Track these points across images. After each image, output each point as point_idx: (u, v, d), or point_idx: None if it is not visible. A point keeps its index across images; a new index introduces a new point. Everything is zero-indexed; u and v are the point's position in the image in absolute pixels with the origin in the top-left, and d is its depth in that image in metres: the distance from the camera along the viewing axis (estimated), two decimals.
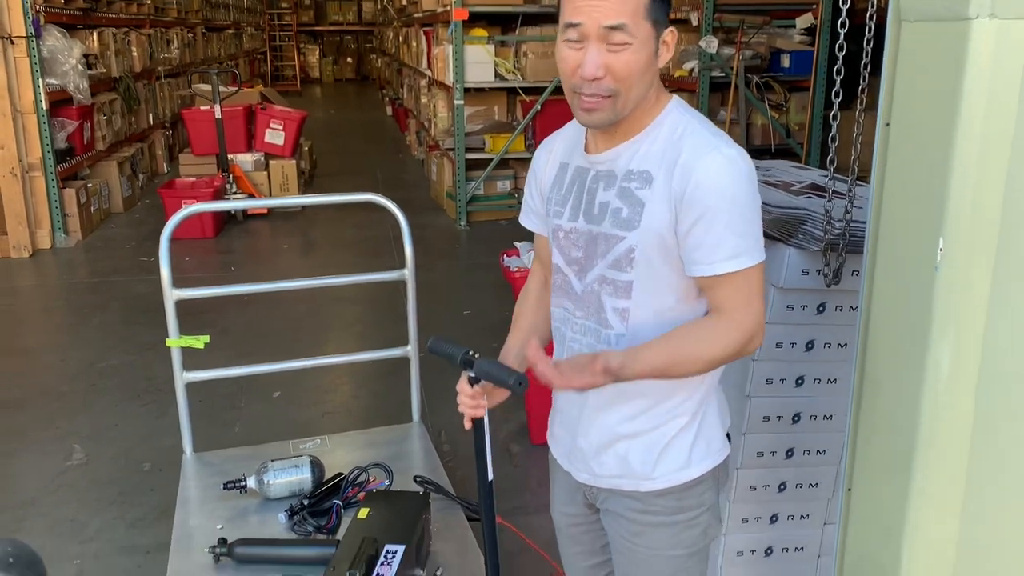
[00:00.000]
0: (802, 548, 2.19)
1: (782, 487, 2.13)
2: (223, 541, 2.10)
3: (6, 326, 5.21)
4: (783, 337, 1.99)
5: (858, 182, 1.78)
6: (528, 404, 3.54)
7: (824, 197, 1.85)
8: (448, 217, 7.68)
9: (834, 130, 1.70)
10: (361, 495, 2.29)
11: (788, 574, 2.22)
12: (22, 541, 1.53)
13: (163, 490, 2.47)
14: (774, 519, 2.16)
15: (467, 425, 1.59)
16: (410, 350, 2.72)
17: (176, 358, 2.57)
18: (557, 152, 1.64)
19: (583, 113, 1.44)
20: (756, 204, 1.42)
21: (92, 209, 7.20)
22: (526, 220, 1.76)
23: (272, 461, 2.39)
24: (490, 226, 7.30)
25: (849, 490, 1.39)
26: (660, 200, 1.42)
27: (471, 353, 1.53)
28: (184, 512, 2.36)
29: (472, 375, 1.54)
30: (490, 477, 1.62)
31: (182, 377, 2.60)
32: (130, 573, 2.78)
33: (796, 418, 2.08)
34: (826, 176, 1.85)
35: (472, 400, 1.55)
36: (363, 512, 2.06)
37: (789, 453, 2.10)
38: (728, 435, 1.66)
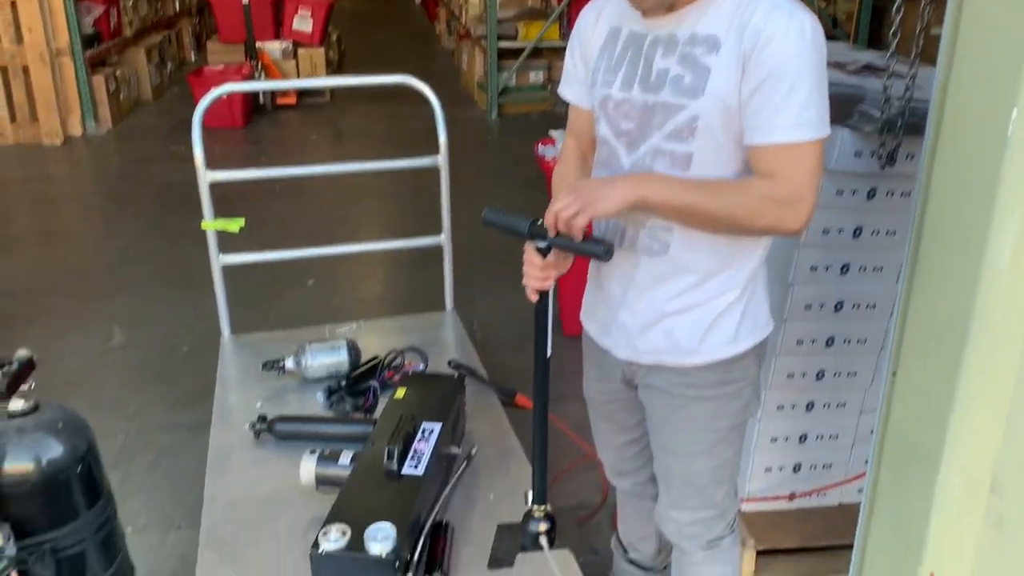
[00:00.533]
0: (836, 436, 2.19)
1: (820, 375, 2.12)
2: (263, 418, 2.14)
3: (42, 213, 5.26)
4: (831, 223, 1.94)
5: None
6: (560, 295, 3.53)
7: (880, 78, 1.76)
8: (479, 109, 7.54)
9: (895, 25, 1.58)
10: (397, 378, 2.32)
11: (821, 461, 2.23)
12: (70, 408, 1.57)
13: (201, 372, 2.51)
14: (810, 407, 2.15)
15: (532, 298, 1.53)
16: (443, 239, 2.70)
17: (212, 241, 2.58)
18: (607, 15, 1.54)
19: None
20: (823, 76, 1.34)
21: (121, 97, 7.14)
22: (567, 90, 1.65)
23: (310, 343, 2.42)
24: (522, 119, 7.15)
25: (895, 374, 1.36)
26: (728, 65, 1.35)
27: (540, 223, 1.44)
28: (224, 390, 2.40)
29: (542, 246, 1.46)
30: (548, 353, 1.57)
31: (218, 259, 2.61)
32: (171, 448, 2.86)
33: (838, 306, 2.05)
34: (882, 56, 1.75)
35: (542, 272, 1.49)
36: (400, 392, 2.09)
37: (829, 342, 2.08)
38: None
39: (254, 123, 7.11)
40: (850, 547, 1.51)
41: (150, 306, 3.87)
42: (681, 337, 1.54)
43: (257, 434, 2.14)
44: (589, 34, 1.57)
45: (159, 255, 4.40)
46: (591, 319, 1.73)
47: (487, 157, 6.42)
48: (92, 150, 6.44)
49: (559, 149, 3.35)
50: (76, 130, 6.60)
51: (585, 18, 1.58)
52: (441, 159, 2.58)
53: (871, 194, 1.92)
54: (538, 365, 1.58)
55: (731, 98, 1.35)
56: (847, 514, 2.19)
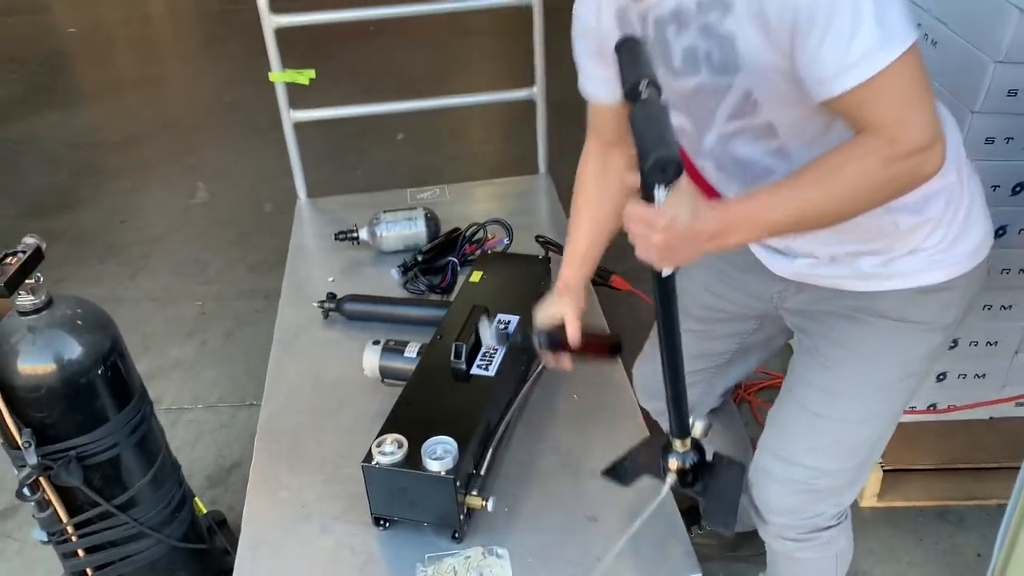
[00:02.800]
0: (995, 343, 1.83)
1: None
2: (332, 296, 1.97)
3: (137, 55, 5.16)
4: (987, 178, 1.50)
5: None
6: None
7: None
8: None
9: None
10: (478, 253, 2.08)
11: (973, 370, 1.88)
12: (91, 301, 1.40)
13: (283, 233, 2.37)
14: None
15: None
16: (536, 92, 2.39)
17: (281, 94, 2.36)
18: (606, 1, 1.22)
19: None
20: None
21: None
22: (584, 83, 1.36)
23: (384, 212, 2.21)
24: None
25: None
26: (749, 23, 1.03)
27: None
28: (296, 261, 2.25)
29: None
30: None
31: (289, 116, 2.39)
32: (248, 317, 2.77)
33: (1017, 188, 1.64)
34: None
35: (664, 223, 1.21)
36: (476, 276, 1.85)
37: (1001, 231, 1.68)
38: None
39: None
40: (1000, 470, 1.21)
41: (237, 159, 3.74)
42: (865, 266, 1.23)
43: (326, 314, 1.98)
44: (594, 26, 1.26)
45: (250, 103, 4.21)
46: None
47: None
48: None
49: None
50: None
51: (583, 12, 1.28)
52: None
53: None
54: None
55: (775, 58, 1.04)
56: (999, 432, 1.87)
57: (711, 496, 1.29)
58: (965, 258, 1.23)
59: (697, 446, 1.27)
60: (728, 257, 1.41)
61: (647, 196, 0.97)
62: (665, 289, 1.07)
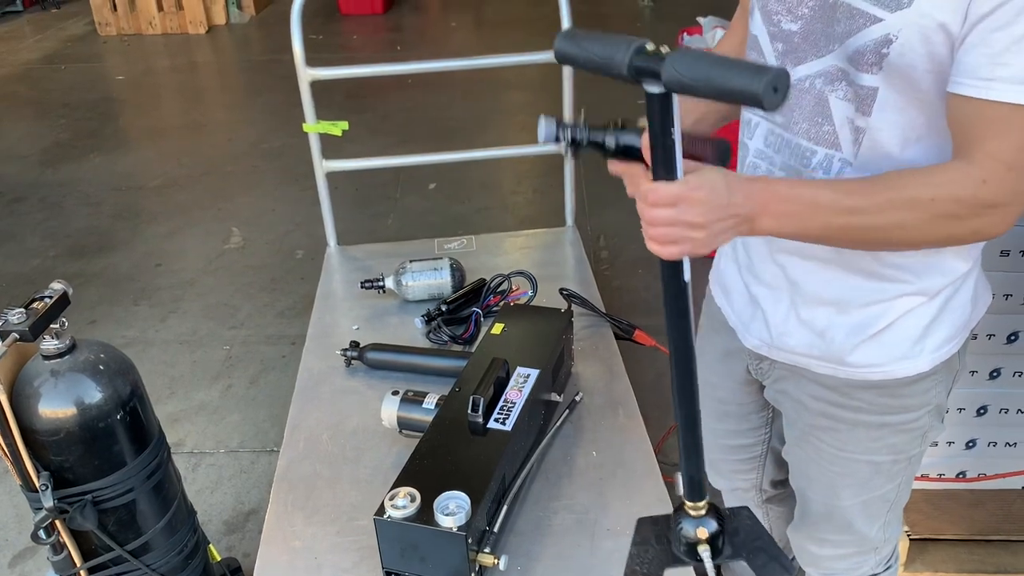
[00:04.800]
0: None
1: (1013, 338, 1.70)
2: (355, 344, 1.98)
3: (182, 102, 5.30)
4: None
5: None
6: None
7: None
8: None
9: None
10: (501, 304, 2.09)
11: (1003, 439, 1.83)
12: (113, 347, 1.42)
13: (313, 280, 2.40)
14: (995, 374, 1.75)
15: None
16: (563, 145, 2.39)
17: (315, 144, 2.40)
18: None
19: None
20: None
21: None
22: None
23: (411, 262, 2.22)
24: (679, 4, 6.54)
25: None
26: None
27: (656, 49, 0.83)
28: (321, 308, 2.27)
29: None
30: (686, 277, 0.98)
31: (322, 166, 2.44)
32: (274, 363, 2.79)
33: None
34: None
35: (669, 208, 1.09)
36: (497, 327, 1.85)
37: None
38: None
39: (394, 9, 6.87)
40: None
41: (273, 205, 3.80)
42: (838, 337, 1.14)
43: (348, 362, 1.99)
44: None
45: (287, 150, 4.31)
46: (718, 278, 1.37)
47: None
48: (234, 39, 6.42)
49: (706, 39, 2.91)
50: (220, 18, 6.58)
51: None
52: None
53: None
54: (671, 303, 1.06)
55: (948, 17, 0.89)
56: None
57: (749, 550, 1.11)
58: (957, 338, 1.15)
59: (713, 507, 1.11)
60: (716, 326, 1.37)
61: (666, 169, 0.85)
62: (679, 291, 0.92)
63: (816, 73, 1.03)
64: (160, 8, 6.39)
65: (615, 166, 0.98)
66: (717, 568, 1.07)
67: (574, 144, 1.06)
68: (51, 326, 1.27)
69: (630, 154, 1.00)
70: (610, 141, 1.01)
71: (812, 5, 1.01)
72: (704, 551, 1.07)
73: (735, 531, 1.12)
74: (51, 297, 1.28)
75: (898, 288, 1.09)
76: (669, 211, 0.86)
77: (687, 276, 0.92)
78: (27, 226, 3.73)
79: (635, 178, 0.91)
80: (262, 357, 2.82)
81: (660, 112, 0.81)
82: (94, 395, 1.32)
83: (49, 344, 1.29)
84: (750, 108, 1.07)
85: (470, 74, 4.51)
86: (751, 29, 1.13)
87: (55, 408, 1.29)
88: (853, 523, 1.31)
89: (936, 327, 1.12)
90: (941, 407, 1.21)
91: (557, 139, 1.07)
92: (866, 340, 1.13)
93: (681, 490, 1.10)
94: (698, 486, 1.08)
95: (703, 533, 1.07)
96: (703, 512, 1.08)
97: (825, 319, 1.14)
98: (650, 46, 0.78)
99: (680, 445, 1.06)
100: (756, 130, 1.14)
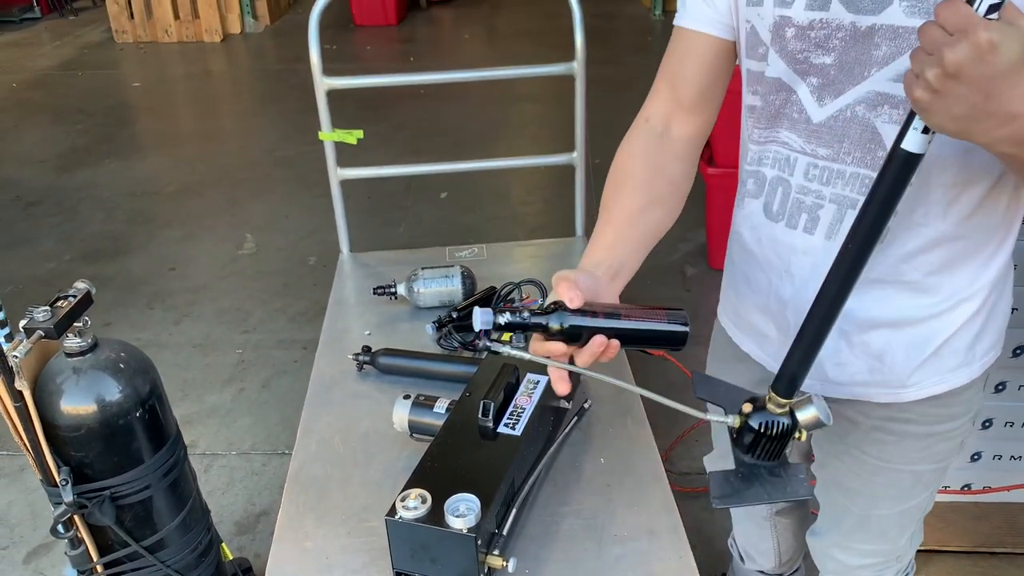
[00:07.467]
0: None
1: (1020, 351, 1.72)
2: (367, 349, 2.01)
3: (196, 109, 5.35)
4: None
5: None
6: (709, 222, 3.18)
7: None
8: (642, 6, 7.01)
9: None
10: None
11: (1009, 452, 1.84)
12: (133, 346, 1.45)
13: (325, 286, 2.43)
14: (1000, 388, 1.77)
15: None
16: (575, 157, 2.43)
17: (330, 152, 2.44)
18: None
19: None
20: None
21: None
22: (694, 14, 1.10)
23: (423, 269, 2.25)
24: None
25: None
26: None
27: None
28: (334, 315, 2.30)
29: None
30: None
31: (336, 173, 2.47)
32: (285, 367, 2.82)
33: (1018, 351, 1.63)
34: None
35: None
36: (508, 335, 1.87)
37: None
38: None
39: (407, 21, 6.93)
40: None
41: (287, 212, 3.84)
42: (897, 362, 1.11)
43: (360, 366, 2.01)
44: None
45: (300, 159, 4.36)
46: (732, 307, 1.32)
47: (645, 59, 5.94)
48: (249, 47, 6.49)
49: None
50: (235, 27, 6.65)
51: None
52: (577, 66, 2.28)
53: None
54: None
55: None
56: None
57: (784, 465, 1.04)
58: (997, 345, 1.17)
59: (793, 417, 1.01)
60: (731, 359, 1.33)
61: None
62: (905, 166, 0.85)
63: (855, 101, 1.00)
64: (176, 16, 6.47)
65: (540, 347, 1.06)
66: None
67: (510, 328, 1.09)
68: (74, 324, 1.30)
69: (574, 335, 1.06)
70: (554, 323, 1.06)
71: (843, 36, 0.98)
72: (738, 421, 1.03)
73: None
74: (75, 296, 1.31)
75: (948, 300, 1.09)
76: (938, 37, 0.75)
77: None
78: (43, 229, 3.78)
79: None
80: (274, 361, 2.85)
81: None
82: (114, 393, 1.35)
83: (72, 342, 1.32)
84: (783, 143, 1.08)
85: (482, 85, 4.55)
86: (766, 72, 1.07)
87: (76, 405, 1.32)
88: (887, 532, 1.32)
89: (985, 332, 1.13)
90: (980, 412, 1.27)
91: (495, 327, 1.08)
92: (927, 359, 1.11)
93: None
94: (793, 384, 1.01)
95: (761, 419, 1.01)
96: (783, 412, 1.02)
97: (882, 341, 1.11)
98: None
99: (798, 334, 0.99)
100: (795, 167, 1.09)
